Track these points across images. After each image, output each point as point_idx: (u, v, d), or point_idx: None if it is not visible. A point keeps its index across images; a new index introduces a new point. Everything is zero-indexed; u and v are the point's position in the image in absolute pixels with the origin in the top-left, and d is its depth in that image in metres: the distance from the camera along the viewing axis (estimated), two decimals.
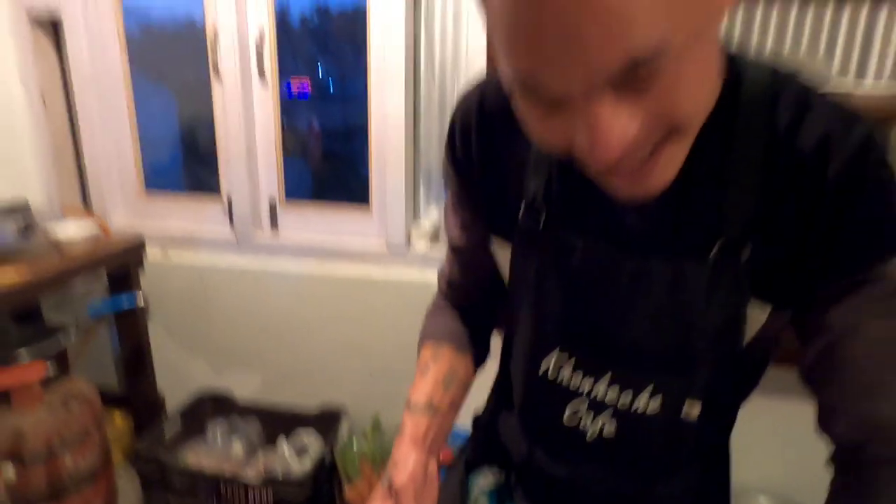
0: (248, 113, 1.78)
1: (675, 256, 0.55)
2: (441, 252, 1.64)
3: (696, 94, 0.43)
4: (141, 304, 1.76)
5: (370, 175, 1.76)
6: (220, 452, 1.77)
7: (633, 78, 0.38)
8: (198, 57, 1.80)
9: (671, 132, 0.43)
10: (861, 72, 1.43)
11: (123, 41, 1.86)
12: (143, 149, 1.97)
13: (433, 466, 0.70)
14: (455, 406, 0.74)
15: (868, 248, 0.51)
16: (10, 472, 1.33)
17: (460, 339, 0.77)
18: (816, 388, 0.55)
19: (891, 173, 0.50)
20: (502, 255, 0.67)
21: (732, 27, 1.46)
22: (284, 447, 1.75)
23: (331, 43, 1.99)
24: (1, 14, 1.76)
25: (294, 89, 1.90)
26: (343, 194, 1.96)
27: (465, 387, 0.77)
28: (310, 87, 1.93)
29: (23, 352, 1.48)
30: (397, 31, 1.56)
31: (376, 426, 1.77)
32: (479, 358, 0.80)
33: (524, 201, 0.61)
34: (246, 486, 1.54)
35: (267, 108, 1.80)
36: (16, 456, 1.39)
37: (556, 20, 0.35)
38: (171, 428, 1.79)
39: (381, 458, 1.65)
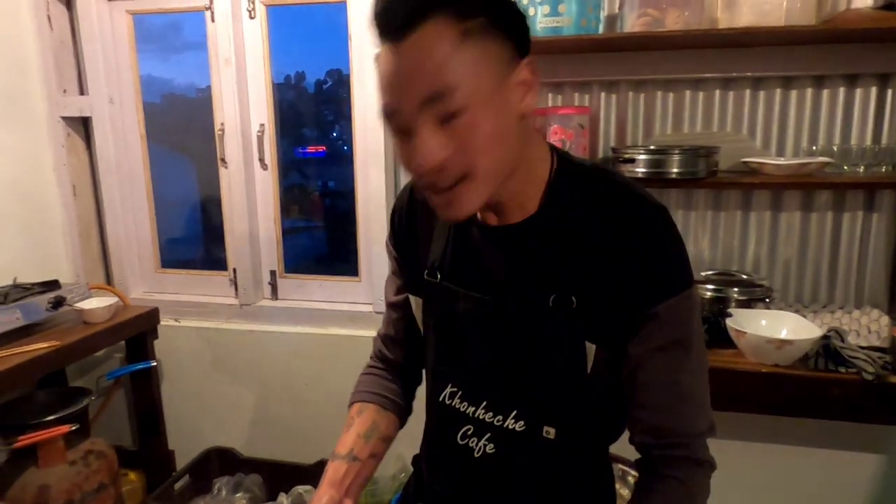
0: (250, 196, 2.02)
1: (526, 303, 0.74)
2: None
3: (487, 150, 0.64)
4: (154, 365, 1.95)
5: (358, 248, 1.98)
6: None
7: (440, 113, 0.61)
8: (209, 150, 2.06)
9: (466, 175, 0.64)
10: (780, 149, 1.64)
11: (145, 137, 2.14)
12: (158, 227, 2.22)
13: None
14: (375, 456, 0.88)
15: (649, 292, 0.69)
16: None
17: (385, 398, 0.94)
18: (627, 406, 0.76)
19: (672, 232, 0.71)
20: (416, 309, 0.88)
21: (665, 109, 1.69)
22: (284, 500, 1.89)
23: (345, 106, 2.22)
24: (39, 114, 2.05)
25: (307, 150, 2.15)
26: (337, 262, 2.18)
27: (387, 440, 0.91)
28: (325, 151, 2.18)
29: (49, 414, 1.67)
30: (376, 116, 1.81)
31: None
32: (403, 415, 0.97)
33: (427, 263, 0.84)
34: None
35: (267, 191, 2.04)
36: None
37: (398, 70, 0.62)
38: (180, 483, 1.94)
39: None
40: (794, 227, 1.67)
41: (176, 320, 2.12)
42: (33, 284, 1.79)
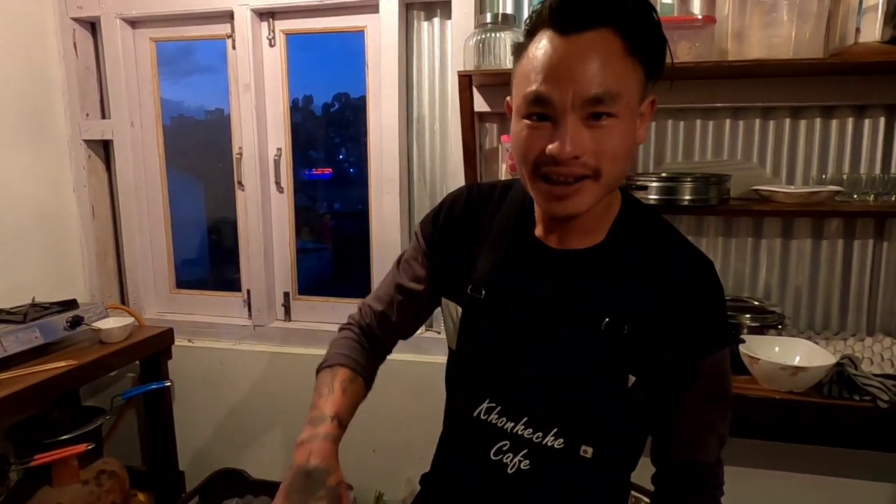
0: (265, 218, 2.06)
1: (576, 325, 0.77)
2: (435, 338, 1.84)
3: (616, 159, 0.69)
4: (168, 385, 1.96)
5: (371, 272, 2.00)
6: None
7: (594, 111, 0.66)
8: (226, 165, 2.10)
9: (595, 173, 0.69)
10: (790, 177, 1.66)
11: (163, 159, 2.18)
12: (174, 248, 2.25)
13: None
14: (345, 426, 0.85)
15: (699, 344, 0.76)
16: None
17: (367, 371, 0.92)
18: (660, 437, 0.84)
19: (721, 288, 0.78)
20: (452, 311, 0.87)
21: (676, 137, 1.72)
22: None
23: (352, 130, 2.24)
24: (62, 137, 2.10)
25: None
26: (345, 284, 2.20)
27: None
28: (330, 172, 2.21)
29: (63, 434, 1.68)
30: (391, 142, 1.85)
31: (379, 500, 1.91)
32: (368, 386, 0.95)
33: (472, 277, 0.83)
34: None
35: (282, 214, 2.07)
36: None
37: (568, 62, 0.66)
38: None
39: None
40: (804, 254, 1.68)
41: (189, 341, 2.13)
42: (52, 304, 1.82)
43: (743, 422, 1.38)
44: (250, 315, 2.11)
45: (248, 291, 2.10)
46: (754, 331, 1.53)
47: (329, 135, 2.22)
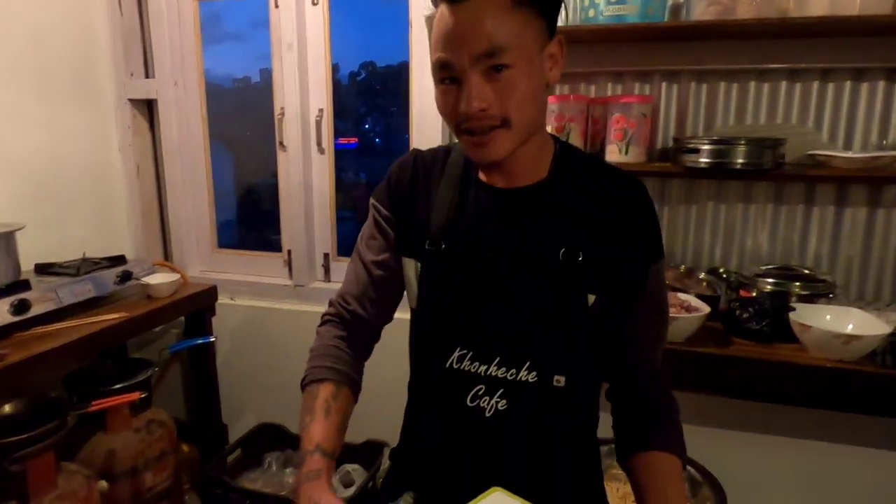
0: (307, 179, 2.07)
1: (534, 259, 0.82)
2: None
3: (522, 104, 0.75)
4: (213, 340, 2.02)
5: None
6: (274, 480, 1.98)
7: (490, 64, 0.72)
8: (260, 127, 2.11)
9: (504, 122, 0.75)
10: (848, 143, 1.60)
11: (206, 120, 2.20)
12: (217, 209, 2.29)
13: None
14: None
15: (645, 255, 0.84)
16: (103, 485, 1.56)
17: (351, 379, 0.90)
18: (613, 352, 0.89)
19: (654, 212, 0.86)
20: (409, 271, 0.89)
21: (728, 100, 1.67)
22: (333, 478, 1.93)
23: (378, 99, 2.25)
24: (107, 96, 2.13)
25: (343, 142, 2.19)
26: None
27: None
28: (357, 142, 2.21)
29: (116, 384, 1.74)
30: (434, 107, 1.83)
31: None
32: (358, 393, 0.93)
33: (430, 231, 0.87)
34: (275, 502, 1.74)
35: (323, 175, 2.08)
36: (108, 472, 1.63)
37: (458, 28, 0.72)
38: (232, 456, 2.01)
39: None
40: (858, 223, 1.63)
41: (231, 299, 2.18)
42: (101, 259, 1.87)
43: (790, 389, 1.37)
44: (291, 275, 2.14)
45: (289, 252, 2.13)
46: (804, 299, 1.50)
47: (355, 104, 2.21)
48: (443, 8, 0.74)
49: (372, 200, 0.95)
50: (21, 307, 1.50)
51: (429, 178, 0.91)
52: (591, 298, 0.82)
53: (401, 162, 0.95)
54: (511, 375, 0.83)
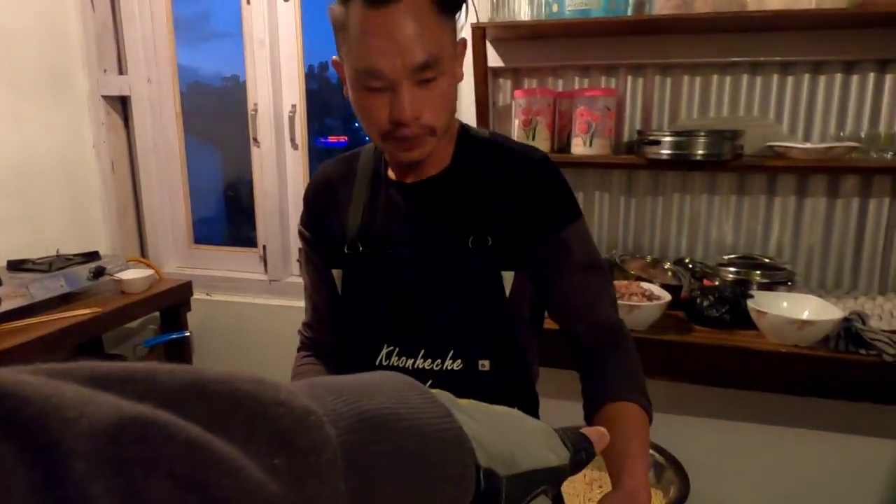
0: (280, 175, 2.08)
1: (445, 249, 0.84)
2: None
3: (446, 109, 0.78)
4: (188, 335, 2.03)
5: None
6: None
7: (423, 75, 0.73)
8: (243, 126, 2.13)
9: (432, 131, 0.77)
10: (807, 134, 1.64)
11: (180, 116, 2.21)
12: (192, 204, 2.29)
13: None
14: None
15: (554, 220, 0.85)
16: None
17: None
18: (560, 321, 0.89)
19: (559, 174, 0.87)
20: (338, 281, 0.91)
21: (692, 93, 1.70)
22: None
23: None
24: (81, 93, 2.13)
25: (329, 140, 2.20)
26: None
27: None
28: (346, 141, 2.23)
29: None
30: None
31: None
32: None
33: (347, 237, 0.88)
34: None
35: (297, 170, 2.10)
36: None
37: (390, 36, 0.70)
38: None
39: None
40: (819, 213, 1.67)
41: (208, 294, 2.19)
42: (75, 255, 1.88)
43: (748, 374, 1.41)
44: (266, 270, 2.16)
45: (264, 247, 2.15)
46: (763, 287, 1.53)
47: (345, 102, 2.22)
48: (360, 10, 0.70)
49: (298, 227, 0.97)
50: None
51: (342, 186, 0.92)
52: (509, 276, 0.84)
53: (312, 182, 0.97)
54: (437, 366, 0.85)
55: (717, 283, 1.58)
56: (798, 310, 1.43)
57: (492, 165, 0.86)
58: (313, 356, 0.99)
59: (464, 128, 0.90)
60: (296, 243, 2.15)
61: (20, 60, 1.90)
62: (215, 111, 2.31)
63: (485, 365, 0.84)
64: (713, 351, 1.42)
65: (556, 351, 0.93)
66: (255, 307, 2.14)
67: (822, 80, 1.61)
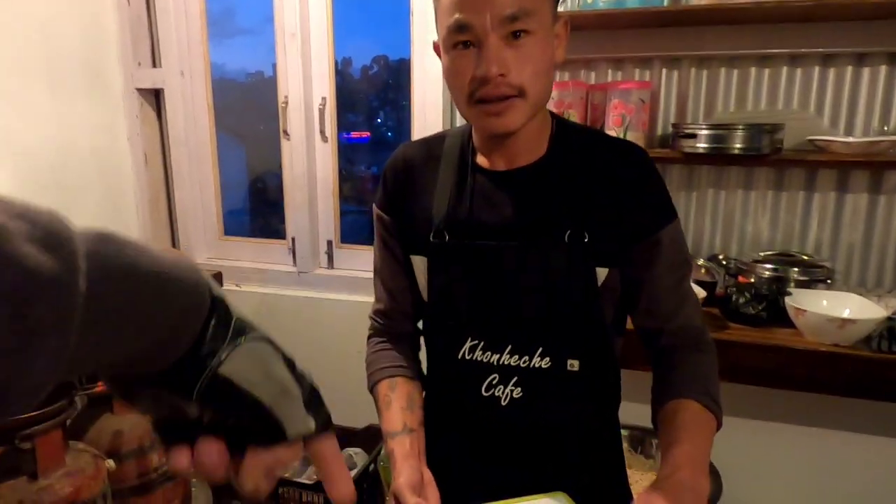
0: (310, 168, 2.09)
1: (540, 242, 0.80)
2: None
3: (539, 75, 0.74)
4: None
5: None
6: None
7: (513, 29, 0.71)
8: (270, 120, 2.15)
9: (520, 91, 0.74)
10: (849, 128, 1.60)
11: (212, 109, 2.23)
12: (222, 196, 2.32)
13: (427, 473, 0.82)
14: (422, 422, 0.89)
15: (653, 221, 0.81)
16: (111, 464, 1.60)
17: (406, 368, 0.93)
18: (643, 321, 0.87)
19: (658, 174, 0.84)
20: (419, 268, 0.88)
21: (729, 86, 1.66)
22: None
23: (390, 93, 2.26)
24: (116, 86, 2.17)
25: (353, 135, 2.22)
26: None
27: (422, 406, 0.91)
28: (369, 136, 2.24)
29: None
30: (435, 94, 1.85)
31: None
32: (423, 379, 0.96)
33: (433, 224, 0.85)
34: (301, 488, 1.77)
35: (327, 163, 2.11)
36: (115, 452, 1.67)
37: None
38: None
39: None
40: (860, 209, 1.62)
41: (237, 285, 2.22)
42: None
43: (786, 373, 1.38)
44: (295, 262, 2.17)
45: (293, 239, 2.16)
46: (802, 284, 1.50)
47: (368, 98, 2.23)
48: None
49: (375, 210, 0.94)
50: None
51: (424, 170, 0.89)
52: (602, 273, 0.81)
53: (392, 163, 0.92)
54: (524, 363, 0.82)
55: (752, 279, 1.54)
56: (838, 308, 1.39)
57: (590, 158, 0.82)
58: (388, 343, 0.96)
59: (559, 120, 0.86)
60: (325, 236, 2.17)
61: (57, 55, 1.93)
62: (242, 106, 2.33)
63: (574, 365, 0.81)
64: (749, 349, 1.39)
65: (631, 352, 0.90)
66: (284, 298, 2.16)
67: (866, 72, 1.56)
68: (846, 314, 1.36)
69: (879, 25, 1.48)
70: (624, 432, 1.60)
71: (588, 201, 0.80)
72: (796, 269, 1.52)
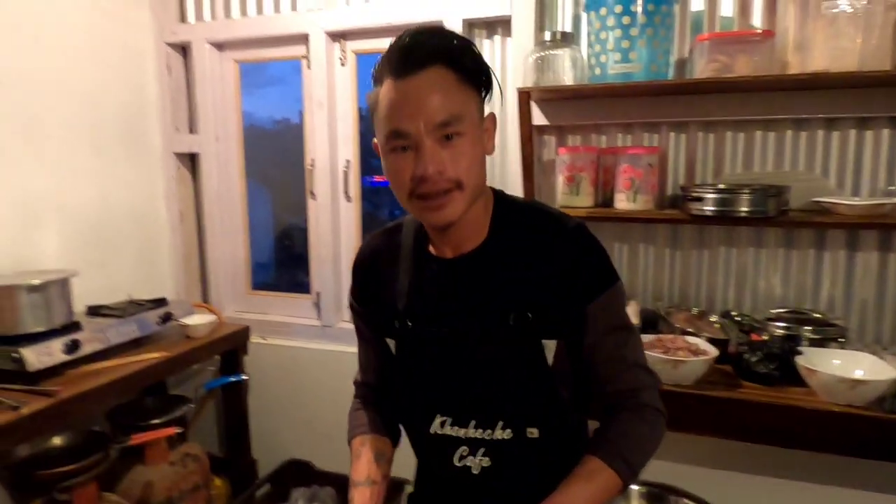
0: (335, 226, 2.20)
1: (490, 326, 0.87)
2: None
3: (472, 168, 0.82)
4: (246, 378, 2.13)
5: None
6: None
7: (445, 133, 0.79)
8: (296, 167, 2.26)
9: (457, 184, 0.81)
10: (856, 189, 1.64)
11: (243, 170, 2.37)
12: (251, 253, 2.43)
13: None
14: (386, 477, 1.00)
15: (587, 293, 0.87)
16: None
17: (379, 428, 1.04)
18: (590, 381, 0.92)
19: (594, 242, 0.89)
20: (392, 349, 0.96)
21: (736, 149, 1.73)
22: None
23: None
24: (155, 150, 2.32)
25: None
26: None
27: (390, 462, 1.03)
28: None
29: (155, 418, 1.86)
30: None
31: None
32: (395, 439, 1.07)
33: (397, 311, 0.93)
34: None
35: (350, 221, 2.21)
36: (145, 503, 1.73)
37: (413, 99, 0.79)
38: (261, 491, 2.09)
39: None
40: (871, 267, 1.65)
41: (263, 338, 2.30)
42: (145, 301, 2.02)
43: (799, 433, 1.39)
44: (319, 316, 2.25)
45: (318, 294, 2.25)
46: (815, 343, 1.52)
47: None
48: (389, 84, 0.80)
49: (349, 298, 1.05)
50: (73, 347, 1.63)
51: (387, 259, 0.97)
52: (552, 344, 0.86)
53: (359, 256, 1.02)
54: (488, 435, 0.89)
55: (765, 337, 1.57)
56: (851, 368, 1.41)
57: (527, 236, 0.89)
58: (365, 405, 1.08)
59: (499, 199, 0.93)
60: (347, 290, 2.24)
61: (102, 121, 2.09)
62: (268, 156, 2.45)
63: (533, 432, 0.88)
64: (762, 408, 1.41)
65: None
66: (309, 351, 2.23)
67: (869, 135, 1.61)
68: (858, 375, 1.38)
69: (879, 92, 1.54)
70: (643, 489, 1.62)
71: (528, 278, 0.87)
72: (808, 328, 1.55)
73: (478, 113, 0.84)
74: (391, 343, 0.96)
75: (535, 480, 0.91)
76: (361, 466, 0.98)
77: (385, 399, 1.06)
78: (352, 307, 1.05)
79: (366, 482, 0.96)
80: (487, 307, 0.88)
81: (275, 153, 2.43)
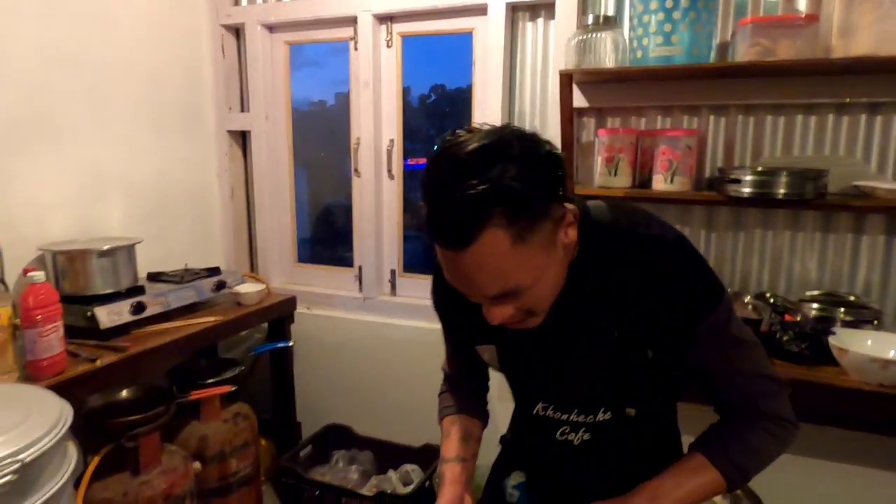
0: (378, 202, 2.28)
1: (591, 340, 0.87)
2: None
3: (543, 298, 0.78)
4: (292, 345, 2.25)
5: None
6: (340, 475, 2.17)
7: (503, 301, 0.75)
8: (332, 149, 2.34)
9: (529, 312, 0.78)
10: None
11: (292, 148, 2.47)
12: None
13: (468, 500, 0.96)
14: (475, 455, 1.05)
15: (694, 314, 0.82)
16: (197, 466, 1.79)
17: (468, 409, 1.09)
18: (708, 393, 0.90)
19: (696, 259, 0.82)
20: (487, 354, 0.99)
21: (775, 132, 1.74)
22: (392, 476, 2.11)
23: (448, 121, 2.39)
24: (209, 128, 2.44)
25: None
26: None
27: (479, 441, 1.08)
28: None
29: (210, 378, 1.99)
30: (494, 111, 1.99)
31: None
32: (483, 419, 1.12)
33: (484, 333, 0.93)
34: (362, 500, 1.91)
35: (392, 198, 2.29)
36: (200, 455, 1.86)
37: (464, 274, 0.72)
38: (304, 452, 2.22)
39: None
40: None
41: (308, 308, 2.42)
42: (200, 269, 2.14)
43: (830, 411, 1.43)
44: (361, 289, 2.36)
45: (360, 267, 2.35)
46: (848, 325, 1.54)
47: (425, 126, 2.39)
48: (441, 249, 0.72)
49: (434, 302, 1.05)
50: (138, 308, 1.77)
51: None
52: (650, 353, 0.85)
53: (439, 270, 0.90)
54: (590, 419, 0.93)
55: (798, 318, 1.60)
56: (883, 348, 1.43)
57: (620, 263, 0.82)
58: (454, 388, 1.13)
59: (586, 215, 0.83)
60: (389, 265, 2.34)
61: (162, 100, 2.21)
62: (309, 136, 2.55)
63: (631, 412, 0.91)
64: (794, 385, 1.44)
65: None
66: (350, 322, 2.34)
67: None
68: (890, 355, 1.40)
69: None
70: None
71: (626, 304, 0.82)
72: (843, 310, 1.57)
73: (546, 249, 0.73)
74: (485, 350, 0.99)
75: (629, 452, 0.96)
76: (451, 444, 1.03)
77: (466, 387, 1.12)
78: (437, 312, 1.06)
79: (455, 459, 1.01)
80: (590, 323, 0.86)
81: (314, 133, 2.52)
